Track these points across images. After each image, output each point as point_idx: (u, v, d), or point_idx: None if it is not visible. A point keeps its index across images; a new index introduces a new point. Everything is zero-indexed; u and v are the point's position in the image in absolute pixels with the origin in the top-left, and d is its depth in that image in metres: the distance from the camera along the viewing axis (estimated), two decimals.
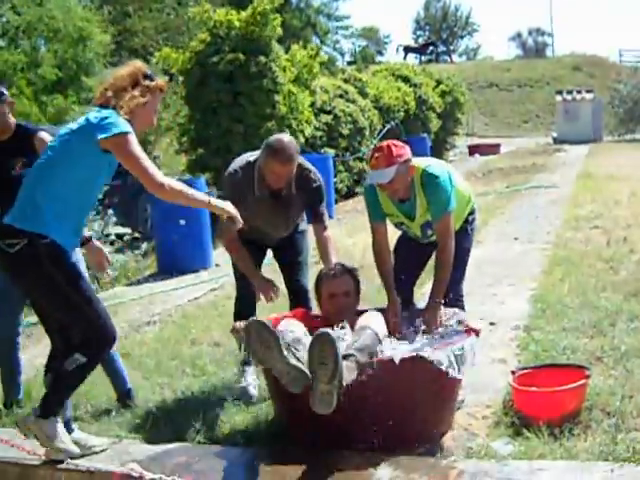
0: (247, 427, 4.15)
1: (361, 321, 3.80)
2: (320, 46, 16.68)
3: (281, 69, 12.46)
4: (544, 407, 3.94)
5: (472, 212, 4.80)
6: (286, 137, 4.53)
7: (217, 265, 9.21)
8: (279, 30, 12.48)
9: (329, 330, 3.45)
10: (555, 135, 32.40)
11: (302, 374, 3.46)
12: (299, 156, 4.54)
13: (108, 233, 8.55)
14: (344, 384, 3.40)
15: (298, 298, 4.77)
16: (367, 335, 3.64)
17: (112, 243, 9.04)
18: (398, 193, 4.37)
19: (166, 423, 4.26)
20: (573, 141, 29.71)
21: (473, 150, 26.33)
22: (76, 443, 3.74)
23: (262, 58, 12.04)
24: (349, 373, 3.43)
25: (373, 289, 6.02)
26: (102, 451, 3.81)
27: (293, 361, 3.47)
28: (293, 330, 3.78)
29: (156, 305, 7.44)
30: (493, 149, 26.37)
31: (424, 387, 3.78)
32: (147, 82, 3.76)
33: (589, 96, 33.38)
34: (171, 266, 8.78)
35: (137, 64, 3.86)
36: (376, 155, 4.33)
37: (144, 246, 9.25)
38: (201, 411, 4.38)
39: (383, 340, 3.75)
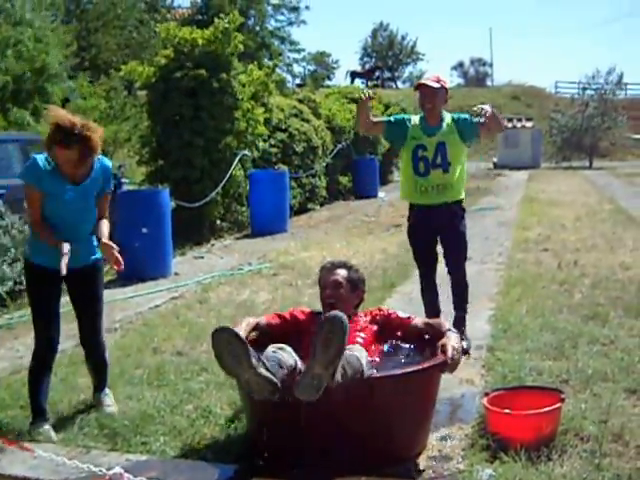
0: (216, 441, 4.02)
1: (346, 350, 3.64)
2: (276, 64, 16.78)
3: (240, 86, 12.66)
4: (521, 430, 3.84)
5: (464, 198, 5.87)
6: None
7: (176, 274, 9.16)
8: (241, 47, 12.74)
9: (340, 313, 3.35)
10: (496, 160, 32.97)
11: (270, 383, 3.33)
12: None
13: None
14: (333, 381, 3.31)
15: None
16: (351, 354, 3.51)
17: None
18: (434, 111, 5.51)
19: (133, 434, 4.11)
20: (513, 167, 30.29)
21: None
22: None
23: (224, 75, 12.24)
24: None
25: None
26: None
27: (262, 370, 3.33)
28: (276, 352, 3.61)
29: (116, 312, 7.25)
30: None
31: (401, 407, 3.66)
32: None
33: (529, 124, 34.15)
34: (131, 273, 8.55)
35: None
36: (428, 75, 5.79)
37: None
38: (168, 422, 4.26)
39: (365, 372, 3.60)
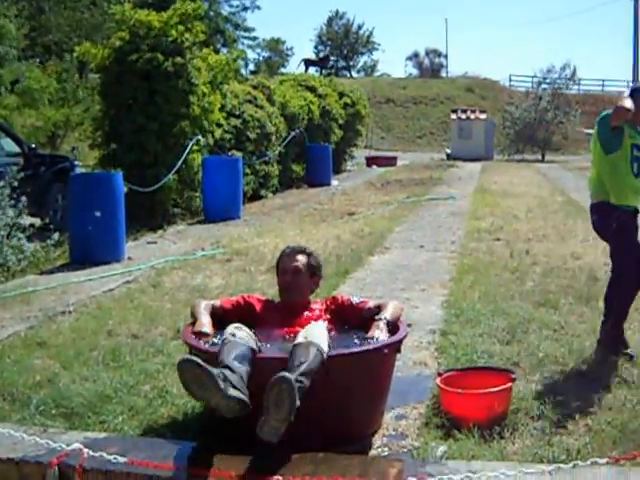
0: (174, 420, 4.04)
1: (307, 334, 3.65)
2: (239, 55, 16.73)
3: (196, 70, 12.54)
4: (473, 409, 3.92)
5: None
6: None
7: (130, 258, 9.10)
8: (202, 36, 12.74)
9: (287, 375, 3.32)
10: (449, 151, 33.29)
11: (238, 402, 3.34)
12: None
13: (19, 222, 8.30)
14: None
15: None
16: (314, 356, 3.49)
17: (23, 230, 8.74)
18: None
19: (91, 413, 4.10)
20: (466, 158, 30.59)
21: (371, 162, 26.68)
22: None
23: (179, 59, 12.14)
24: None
25: None
26: None
27: (231, 392, 3.33)
28: (235, 334, 3.63)
29: (70, 295, 7.18)
30: (390, 161, 26.79)
31: (356, 385, 3.71)
32: None
33: (482, 116, 34.49)
34: (84, 257, 8.71)
35: None
36: None
37: (55, 236, 8.99)
38: (126, 402, 4.26)
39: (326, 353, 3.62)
